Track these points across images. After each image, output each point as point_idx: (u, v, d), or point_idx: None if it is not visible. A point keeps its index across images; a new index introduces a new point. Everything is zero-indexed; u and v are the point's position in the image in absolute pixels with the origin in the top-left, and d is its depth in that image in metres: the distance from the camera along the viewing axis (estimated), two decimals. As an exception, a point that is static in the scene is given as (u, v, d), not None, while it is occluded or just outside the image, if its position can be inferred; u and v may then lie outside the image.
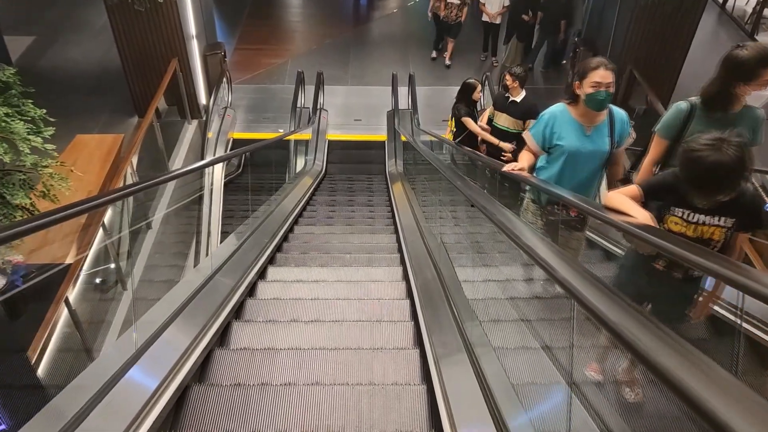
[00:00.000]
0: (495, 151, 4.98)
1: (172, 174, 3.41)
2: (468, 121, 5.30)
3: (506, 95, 4.94)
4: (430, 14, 9.54)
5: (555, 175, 2.78)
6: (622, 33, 7.08)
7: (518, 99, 4.89)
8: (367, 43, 10.97)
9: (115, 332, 3.75)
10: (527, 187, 2.99)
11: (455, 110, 5.44)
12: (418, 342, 2.70)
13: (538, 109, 4.18)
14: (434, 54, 10.19)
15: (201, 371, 2.55)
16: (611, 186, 2.87)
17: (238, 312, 3.12)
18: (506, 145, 4.90)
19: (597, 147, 2.72)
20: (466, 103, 5.40)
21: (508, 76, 4.84)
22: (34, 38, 9.72)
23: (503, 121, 4.95)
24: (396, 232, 4.61)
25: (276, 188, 5.21)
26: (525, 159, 2.88)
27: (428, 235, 3.63)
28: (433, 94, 9.26)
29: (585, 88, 2.58)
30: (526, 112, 4.83)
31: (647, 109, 7.70)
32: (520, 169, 2.73)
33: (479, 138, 5.32)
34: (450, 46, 9.78)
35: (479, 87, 5.34)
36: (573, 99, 2.69)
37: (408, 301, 3.22)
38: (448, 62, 9.90)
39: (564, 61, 9.85)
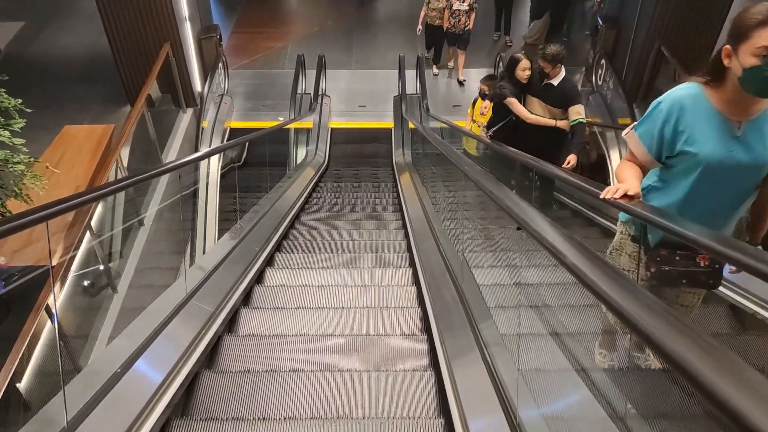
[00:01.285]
0: (536, 145, 3.94)
1: (160, 169, 3.19)
2: (513, 103, 4.32)
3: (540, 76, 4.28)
4: (420, 27, 8.45)
5: (680, 202, 1.80)
6: (651, 6, 6.70)
7: (555, 81, 4.15)
8: (371, 24, 10.73)
9: (103, 342, 3.61)
10: (624, 217, 1.99)
11: (498, 90, 4.46)
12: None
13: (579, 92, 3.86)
14: (435, 70, 8.97)
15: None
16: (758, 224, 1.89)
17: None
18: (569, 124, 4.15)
19: (755, 156, 1.71)
20: (511, 82, 4.40)
21: (542, 61, 4.13)
22: (23, 24, 9.50)
23: (536, 108, 4.25)
24: (407, 239, 4.32)
25: (274, 183, 4.98)
26: (630, 174, 1.81)
27: (445, 244, 3.35)
28: (442, 78, 8.95)
29: (744, 57, 1.55)
30: (567, 97, 4.12)
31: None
32: (630, 196, 1.69)
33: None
34: (461, 60, 8.68)
35: (526, 63, 4.27)
36: (715, 77, 1.69)
37: (425, 337, 2.74)
38: (462, 78, 8.76)
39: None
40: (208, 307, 2.84)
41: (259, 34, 10.15)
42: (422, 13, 8.37)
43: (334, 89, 8.67)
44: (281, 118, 7.58)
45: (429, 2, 8.24)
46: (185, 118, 7.28)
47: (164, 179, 5.84)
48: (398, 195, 5.36)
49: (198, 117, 6.44)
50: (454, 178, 3.73)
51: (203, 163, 6.15)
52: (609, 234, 3.85)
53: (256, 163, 5.66)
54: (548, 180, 3.65)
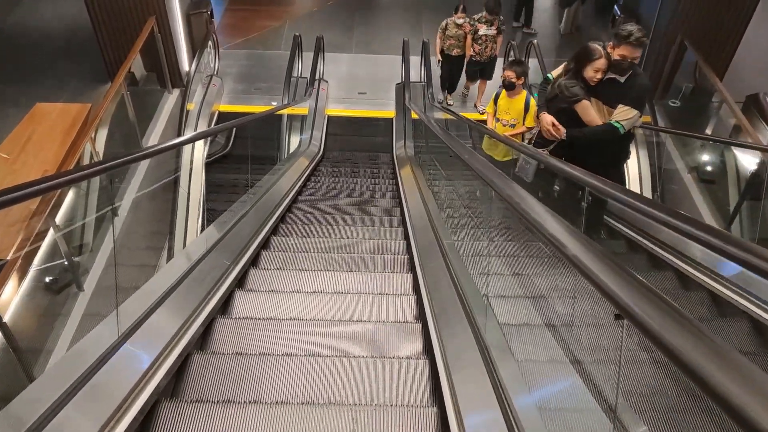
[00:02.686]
0: (600, 162, 3.30)
1: (130, 157, 2.87)
2: (587, 109, 3.31)
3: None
4: (438, 58, 7.35)
5: None
6: (674, -3, 6.38)
7: (622, 77, 3.28)
8: (374, 6, 10.52)
9: (62, 348, 3.31)
10: None
11: (565, 89, 3.35)
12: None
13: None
14: (450, 100, 7.85)
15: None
16: None
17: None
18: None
19: None
20: (578, 79, 3.36)
21: (626, 47, 3.15)
22: (-1, -8, 9.10)
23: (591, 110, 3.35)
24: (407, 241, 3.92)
25: (259, 176, 4.62)
26: None
27: (458, 268, 2.90)
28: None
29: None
30: (639, 96, 3.28)
31: (695, 87, 7.07)
32: None
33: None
34: (483, 88, 7.64)
35: (603, 62, 3.22)
36: None
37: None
38: (481, 107, 7.49)
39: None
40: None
41: (255, 12, 9.84)
42: (437, 42, 7.32)
43: (332, 74, 8.41)
44: (275, 103, 7.25)
45: (446, 28, 7.16)
46: (171, 99, 6.97)
47: (143, 165, 5.57)
48: (399, 197, 4.94)
49: (183, 98, 6.09)
50: (468, 181, 3.37)
51: (186, 150, 5.85)
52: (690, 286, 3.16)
53: (242, 153, 5.31)
54: (600, 200, 3.02)
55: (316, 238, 4.07)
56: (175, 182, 5.65)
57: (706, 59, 6.21)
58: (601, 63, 3.21)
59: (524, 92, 4.49)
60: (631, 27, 3.17)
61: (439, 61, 7.41)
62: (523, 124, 4.46)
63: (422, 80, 7.71)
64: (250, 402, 2.08)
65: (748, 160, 4.18)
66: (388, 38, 9.26)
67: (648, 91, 3.58)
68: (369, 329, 2.61)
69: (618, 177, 3.88)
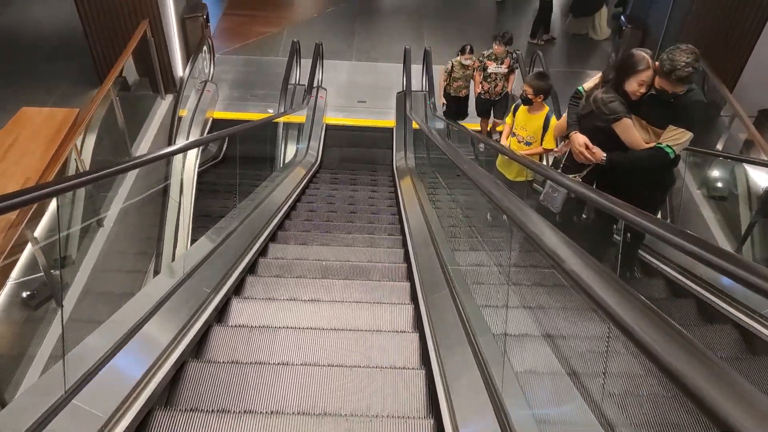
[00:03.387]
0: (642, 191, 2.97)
1: (115, 168, 2.70)
2: (628, 128, 2.88)
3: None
4: (442, 101, 6.68)
5: None
6: (683, 6, 6.29)
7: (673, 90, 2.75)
8: (375, 12, 10.43)
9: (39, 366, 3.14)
10: None
11: (603, 104, 2.89)
12: None
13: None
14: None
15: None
16: None
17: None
18: None
19: None
20: (618, 93, 2.91)
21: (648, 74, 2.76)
22: (-10, -7, 9.00)
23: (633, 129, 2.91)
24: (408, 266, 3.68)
25: (254, 186, 4.45)
26: None
27: (468, 306, 2.53)
28: None
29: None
30: (692, 116, 2.84)
31: (706, 102, 6.96)
32: None
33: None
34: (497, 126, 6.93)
35: (649, 74, 2.77)
36: None
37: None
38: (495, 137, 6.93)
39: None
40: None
41: (253, 18, 9.76)
42: (440, 84, 6.64)
43: (331, 81, 8.31)
44: (271, 111, 7.12)
45: (451, 70, 6.50)
46: (164, 105, 6.84)
47: (132, 174, 5.42)
48: (399, 212, 4.74)
49: (175, 104, 5.94)
50: (473, 197, 3.18)
51: (177, 159, 5.69)
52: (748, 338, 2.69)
53: (234, 162, 5.14)
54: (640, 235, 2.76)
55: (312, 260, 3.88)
56: (165, 192, 5.50)
57: (715, 72, 6.11)
58: (647, 75, 2.72)
59: (546, 108, 4.11)
60: (679, 57, 2.60)
61: (443, 104, 6.74)
62: (541, 144, 4.07)
63: (424, 89, 7.60)
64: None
65: (761, 177, 4.03)
66: (389, 46, 9.21)
67: (702, 109, 2.97)
68: (363, 373, 2.36)
69: (659, 207, 3.49)
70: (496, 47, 6.16)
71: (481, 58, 6.39)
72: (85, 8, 6.31)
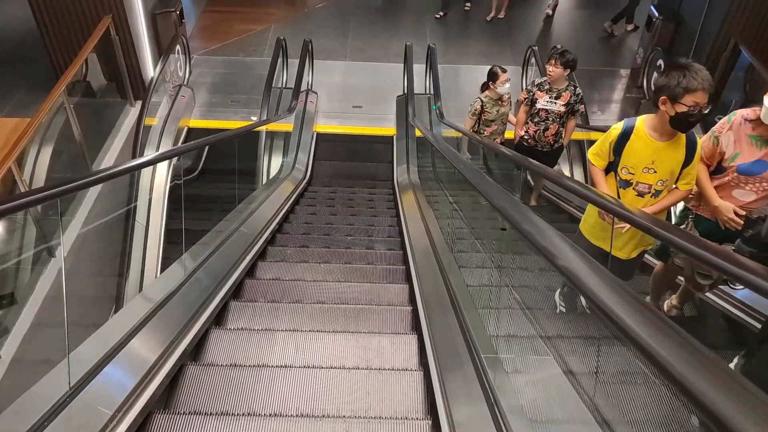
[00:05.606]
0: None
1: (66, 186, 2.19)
2: None
3: None
4: (467, 155, 5.28)
5: None
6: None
7: None
8: (371, 6, 10.11)
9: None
10: None
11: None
12: None
13: None
14: None
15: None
16: None
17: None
18: None
19: None
20: None
21: None
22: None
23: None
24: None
25: (222, 215, 3.87)
26: None
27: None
28: (456, 75, 8.13)
29: None
30: None
31: (745, 101, 6.47)
32: None
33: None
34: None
35: None
36: None
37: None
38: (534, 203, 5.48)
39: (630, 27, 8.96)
40: None
41: (236, 14, 9.42)
42: (467, 126, 5.08)
43: (323, 84, 7.93)
44: (254, 118, 6.61)
45: (482, 110, 4.94)
46: (133, 113, 6.42)
47: (91, 194, 4.97)
48: (402, 238, 4.10)
49: (141, 112, 5.48)
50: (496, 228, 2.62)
51: (145, 176, 5.21)
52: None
53: (209, 180, 4.62)
54: None
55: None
56: (128, 215, 5.01)
57: (766, 66, 5.61)
58: None
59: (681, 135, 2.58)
60: None
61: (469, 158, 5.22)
62: (675, 184, 2.65)
63: (427, 92, 7.21)
64: None
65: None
66: (387, 43, 8.90)
67: None
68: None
69: None
70: (552, 68, 4.40)
71: (530, 87, 4.72)
72: (39, 7, 5.87)
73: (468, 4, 9.70)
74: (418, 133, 5.99)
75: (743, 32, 5.93)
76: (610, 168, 2.70)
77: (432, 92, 6.67)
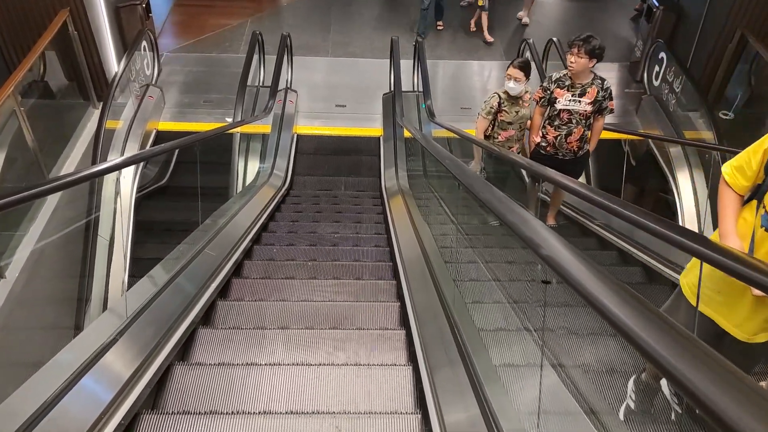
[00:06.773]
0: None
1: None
2: None
3: None
4: (480, 164, 4.60)
5: None
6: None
7: None
8: None
9: None
10: None
11: None
12: None
13: None
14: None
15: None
16: None
17: None
18: None
19: None
20: None
21: None
22: None
23: None
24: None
25: (192, 227, 3.55)
26: None
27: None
28: (449, 71, 7.98)
29: None
30: None
31: (751, 95, 6.30)
32: None
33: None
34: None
35: None
36: None
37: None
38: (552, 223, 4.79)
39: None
40: None
41: (210, 8, 9.15)
42: (479, 127, 4.40)
43: (303, 82, 7.64)
44: (229, 119, 6.30)
45: (499, 107, 4.27)
46: (96, 115, 6.04)
47: (47, 206, 4.65)
48: (394, 260, 3.73)
49: (102, 113, 5.16)
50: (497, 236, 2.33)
51: (108, 185, 4.87)
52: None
53: (178, 191, 4.27)
54: None
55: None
56: (88, 227, 4.67)
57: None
58: None
59: None
60: None
61: (482, 169, 4.57)
62: None
63: (416, 89, 6.98)
64: None
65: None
66: (371, 38, 8.65)
67: None
68: None
69: None
70: (573, 59, 3.77)
71: (546, 84, 4.06)
72: (-14, -3, 5.52)
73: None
74: (407, 133, 5.73)
75: (750, 23, 5.73)
76: (754, 195, 1.87)
77: (421, 89, 6.42)
